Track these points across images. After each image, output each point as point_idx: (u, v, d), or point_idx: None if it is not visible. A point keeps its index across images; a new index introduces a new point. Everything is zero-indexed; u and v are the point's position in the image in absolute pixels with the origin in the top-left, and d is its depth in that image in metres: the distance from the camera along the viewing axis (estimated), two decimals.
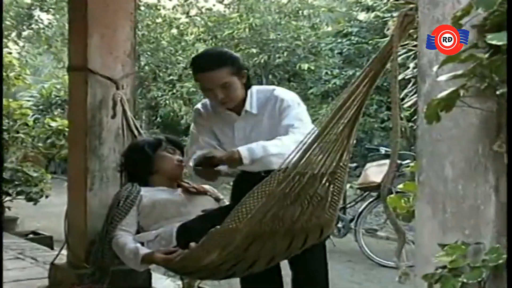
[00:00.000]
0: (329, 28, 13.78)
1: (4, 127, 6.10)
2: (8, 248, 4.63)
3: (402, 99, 2.82)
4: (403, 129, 1.63)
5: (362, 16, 12.97)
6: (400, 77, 2.66)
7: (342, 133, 1.94)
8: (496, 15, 1.30)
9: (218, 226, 2.20)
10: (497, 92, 1.31)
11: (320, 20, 13.41)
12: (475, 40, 1.35)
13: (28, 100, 12.40)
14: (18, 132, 6.54)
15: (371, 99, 10.56)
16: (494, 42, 1.26)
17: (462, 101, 1.34)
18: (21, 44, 14.18)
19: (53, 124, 6.68)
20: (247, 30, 12.18)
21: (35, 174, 6.20)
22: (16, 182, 6.13)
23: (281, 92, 2.68)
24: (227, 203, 2.96)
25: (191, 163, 2.64)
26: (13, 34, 13.30)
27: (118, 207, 2.81)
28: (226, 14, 13.56)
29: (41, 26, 13.56)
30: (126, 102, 3.37)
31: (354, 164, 6.92)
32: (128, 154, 3.13)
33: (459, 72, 1.33)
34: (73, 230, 3.46)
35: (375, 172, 5.84)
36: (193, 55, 2.80)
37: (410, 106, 2.66)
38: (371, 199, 6.10)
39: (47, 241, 5.67)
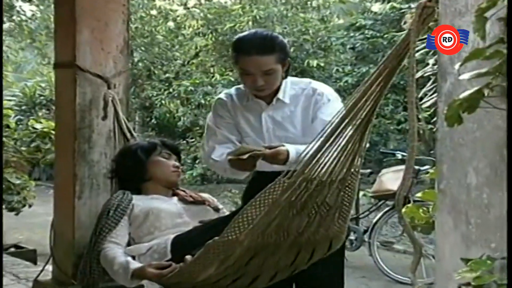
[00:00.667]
0: (341, 21, 13.78)
1: None
2: None
3: (421, 98, 2.82)
4: (421, 131, 1.63)
5: (376, 7, 12.98)
6: (418, 74, 2.67)
7: (353, 136, 1.95)
8: None
9: (217, 238, 2.19)
10: None
11: (330, 12, 13.42)
12: (501, 34, 1.35)
13: (10, 100, 12.37)
14: None
15: (386, 99, 10.56)
16: None
17: (487, 102, 1.34)
18: None
19: (38, 126, 6.66)
20: (250, 23, 12.16)
21: (17, 181, 6.19)
22: None
23: (320, 85, 2.78)
24: (227, 213, 2.96)
25: (216, 158, 2.68)
26: None
27: (108, 216, 2.81)
28: (227, 6, 13.56)
29: (24, 18, 13.59)
30: (118, 102, 3.37)
31: (368, 170, 6.91)
32: (119, 159, 3.14)
33: (484, 70, 1.33)
34: (59, 242, 3.46)
35: (391, 179, 5.84)
36: (235, 39, 2.79)
37: (429, 107, 2.66)
38: (386, 209, 6.08)
39: (30, 255, 5.65)
